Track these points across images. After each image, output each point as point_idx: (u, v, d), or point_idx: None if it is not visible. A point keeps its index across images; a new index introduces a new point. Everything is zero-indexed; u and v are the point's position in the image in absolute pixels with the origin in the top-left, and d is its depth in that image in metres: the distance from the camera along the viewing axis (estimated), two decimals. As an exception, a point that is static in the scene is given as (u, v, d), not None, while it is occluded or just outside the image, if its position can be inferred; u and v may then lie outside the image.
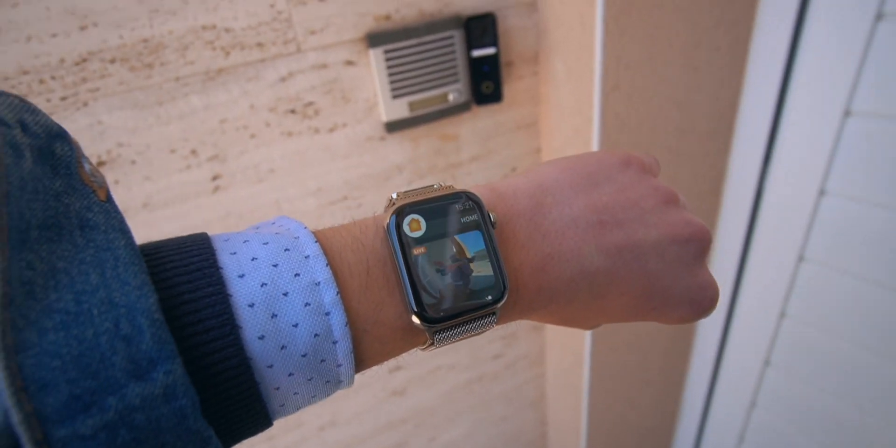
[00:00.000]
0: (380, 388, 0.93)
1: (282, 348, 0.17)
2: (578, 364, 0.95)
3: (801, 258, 0.83)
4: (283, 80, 0.62)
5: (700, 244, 0.24)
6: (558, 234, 0.22)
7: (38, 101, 0.53)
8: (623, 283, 0.22)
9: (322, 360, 0.18)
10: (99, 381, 0.13)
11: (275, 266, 0.17)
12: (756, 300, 0.90)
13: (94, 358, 0.13)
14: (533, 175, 0.24)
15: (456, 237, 0.20)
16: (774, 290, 0.87)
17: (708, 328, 1.00)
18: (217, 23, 0.56)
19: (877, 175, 0.71)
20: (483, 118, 0.75)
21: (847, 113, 0.71)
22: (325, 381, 0.18)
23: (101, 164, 0.58)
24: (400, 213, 0.20)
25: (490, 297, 0.20)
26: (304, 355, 0.17)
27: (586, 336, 0.89)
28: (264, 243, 0.18)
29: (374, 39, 0.63)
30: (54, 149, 0.16)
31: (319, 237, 0.19)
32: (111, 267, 0.15)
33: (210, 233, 0.19)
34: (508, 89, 0.74)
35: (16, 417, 0.12)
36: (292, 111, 0.64)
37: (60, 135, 0.17)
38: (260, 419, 0.18)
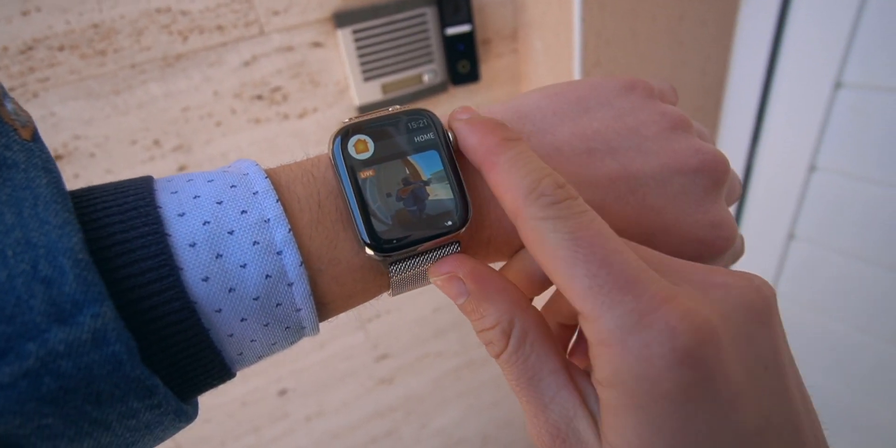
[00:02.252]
0: (366, 377, 0.92)
1: (230, 291, 0.16)
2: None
3: (791, 236, 0.81)
4: (246, 64, 0.59)
5: (712, 175, 0.21)
6: None
7: (-16, 93, 0.50)
8: (617, 218, 0.20)
9: (278, 304, 0.16)
10: (14, 327, 0.12)
11: (219, 203, 0.16)
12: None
13: (7, 301, 0.12)
14: (513, 102, 0.22)
15: (410, 158, 0.18)
16: (764, 269, 0.86)
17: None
18: (172, 5, 0.53)
19: (868, 150, 0.69)
20: (460, 99, 0.72)
21: (838, 85, 0.68)
22: (285, 327, 0.17)
23: (58, 157, 0.55)
24: (346, 135, 0.18)
25: (449, 223, 0.18)
26: (255, 298, 0.16)
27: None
28: (209, 181, 0.17)
29: (342, 19, 0.60)
30: None
31: (269, 174, 0.18)
32: (29, 206, 0.14)
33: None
34: (486, 68, 0.72)
35: None
36: (259, 97, 0.61)
37: None
38: (216, 368, 0.16)
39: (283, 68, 0.61)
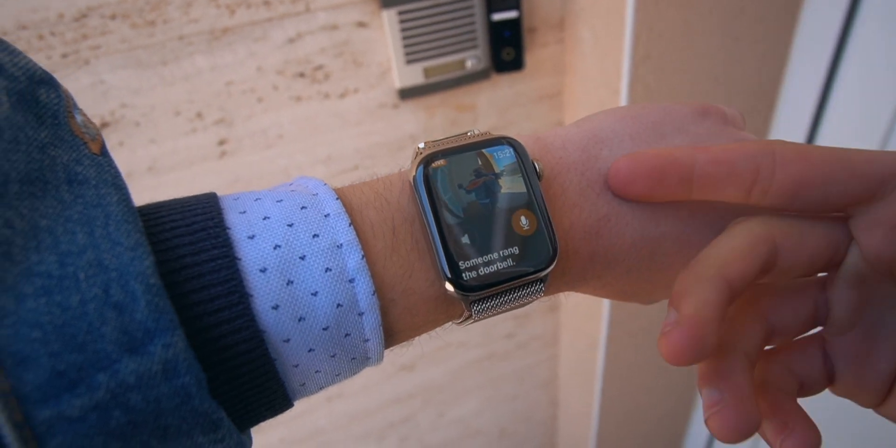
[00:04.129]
0: (388, 362, 0.92)
1: (300, 320, 0.15)
2: (593, 347, 0.92)
3: None
4: (291, 41, 0.59)
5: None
6: None
7: (39, 58, 0.52)
8: (694, 251, 0.18)
9: (346, 335, 0.16)
10: (86, 355, 0.12)
11: (290, 226, 0.15)
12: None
13: (80, 328, 0.12)
14: (586, 124, 0.21)
15: (483, 150, 0.18)
16: None
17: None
18: (222, -22, 0.54)
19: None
20: (502, 87, 0.71)
21: (903, 91, 0.65)
22: (351, 358, 0.16)
23: (104, 125, 0.57)
24: (428, 164, 0.17)
25: (535, 266, 0.17)
26: (325, 328, 0.15)
27: (603, 320, 0.86)
28: (278, 201, 0.16)
29: (388, 0, 0.59)
30: (38, 95, 0.14)
31: (339, 194, 0.17)
32: (101, 225, 0.13)
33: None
34: (531, 57, 0.70)
35: None
36: (301, 74, 0.61)
37: (46, 80, 0.15)
38: (278, 399, 0.16)
39: (327, 47, 0.61)
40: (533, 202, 0.17)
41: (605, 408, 1.00)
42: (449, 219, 0.17)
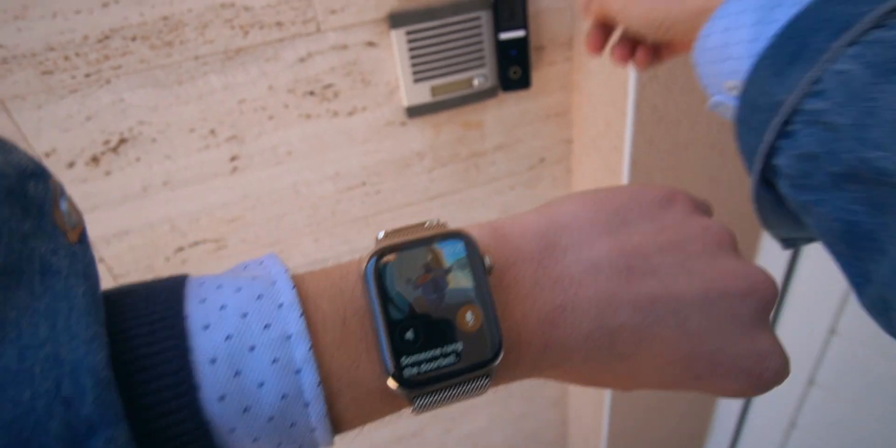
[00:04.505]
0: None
1: (245, 410, 0.15)
2: (602, 366, 0.91)
3: (832, 331, 0.76)
4: (302, 60, 0.61)
5: (761, 301, 0.20)
6: (573, 281, 0.19)
7: (64, 78, 0.54)
8: (656, 342, 0.19)
9: (292, 424, 0.16)
10: None
11: (244, 316, 0.16)
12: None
13: (27, 424, 0.12)
14: (547, 210, 0.21)
15: (434, 245, 0.18)
16: (802, 365, 0.81)
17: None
18: (236, 1, 0.56)
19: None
20: (509, 105, 0.72)
21: None
22: (298, 446, 0.17)
23: (123, 141, 0.59)
24: (380, 258, 0.17)
25: (477, 362, 0.17)
26: (271, 419, 0.16)
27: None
28: (237, 290, 0.17)
29: (397, 20, 0.61)
30: (27, 188, 0.15)
31: (298, 282, 0.17)
32: (64, 317, 0.14)
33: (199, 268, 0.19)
34: (538, 75, 0.71)
35: None
36: (311, 93, 0.63)
37: (36, 173, 0.15)
38: None
39: (337, 66, 0.63)
40: (479, 298, 0.18)
41: (615, 429, 0.99)
42: (395, 314, 0.17)
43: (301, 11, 0.58)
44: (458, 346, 0.17)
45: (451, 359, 0.17)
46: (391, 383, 0.17)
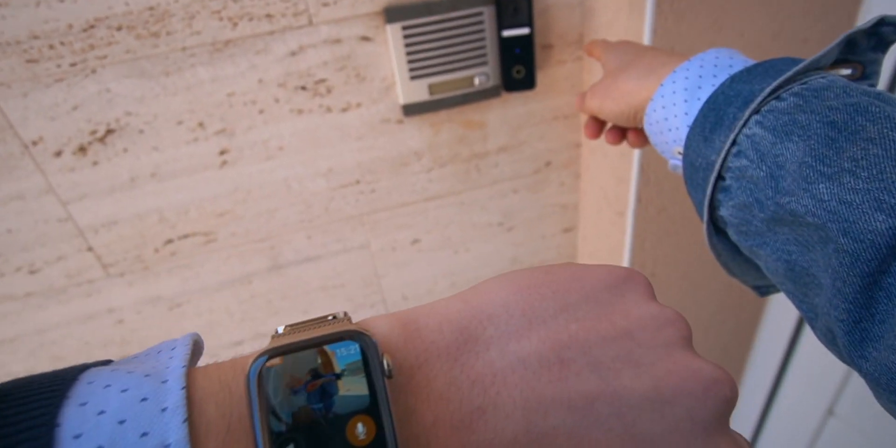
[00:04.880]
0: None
1: None
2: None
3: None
4: (293, 54, 0.59)
5: (722, 402, 0.17)
6: (496, 380, 0.17)
7: (49, 67, 0.54)
8: None
9: None
10: None
11: (121, 423, 0.15)
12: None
13: None
14: (472, 297, 0.19)
15: (325, 347, 0.16)
16: (822, 391, 0.75)
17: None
18: (225, -9, 0.54)
19: None
20: (514, 106, 0.68)
21: None
22: None
23: (110, 131, 0.58)
24: (268, 359, 0.16)
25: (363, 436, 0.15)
26: None
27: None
28: (123, 391, 0.15)
29: (393, 14, 0.58)
30: None
31: (191, 381, 0.16)
32: None
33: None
34: (546, 75, 0.67)
35: None
36: (303, 87, 0.61)
37: None
38: None
39: (329, 61, 0.60)
40: (371, 407, 0.15)
41: None
42: (275, 426, 0.15)
43: (292, 3, 0.56)
44: None
45: None
46: None
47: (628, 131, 0.46)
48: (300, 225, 0.71)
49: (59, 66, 0.54)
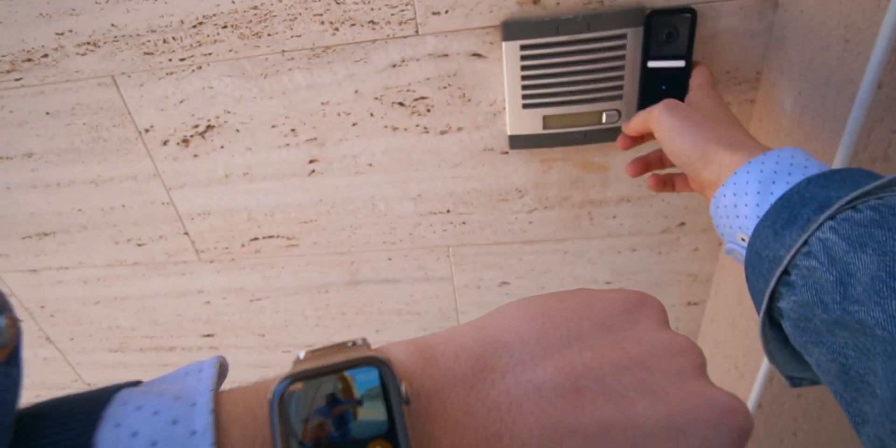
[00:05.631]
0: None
1: None
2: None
3: None
4: (394, 66, 0.52)
5: (736, 432, 0.18)
6: (512, 407, 0.17)
7: (162, 60, 0.54)
8: None
9: None
10: None
11: (153, 445, 0.15)
12: None
13: None
14: (489, 325, 0.19)
15: (345, 373, 0.17)
16: None
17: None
18: (330, -6, 0.49)
19: None
20: (648, 150, 0.55)
21: None
22: None
23: (210, 127, 0.58)
24: (290, 384, 0.16)
25: None
26: None
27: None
28: (154, 413, 0.16)
29: (512, 29, 0.48)
30: None
31: (218, 403, 0.17)
32: None
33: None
34: (700, 119, 0.52)
35: None
36: (401, 103, 0.55)
37: None
38: None
39: (433, 77, 0.53)
40: (390, 433, 0.16)
41: None
42: None
43: (399, 10, 0.49)
44: None
45: None
46: None
47: (675, 177, 0.47)
48: (382, 246, 0.66)
49: (170, 60, 0.54)
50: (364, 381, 0.16)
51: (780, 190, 0.31)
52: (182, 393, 0.17)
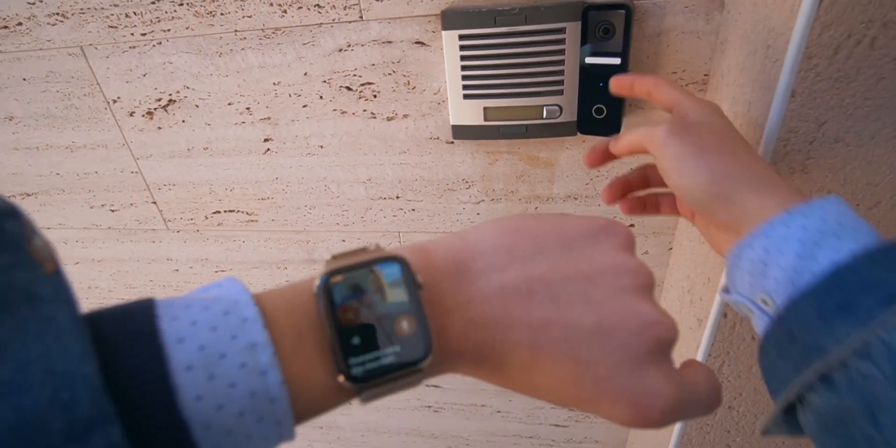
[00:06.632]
0: (413, 395, 0.85)
1: (219, 408, 0.17)
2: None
3: None
4: (340, 50, 0.53)
5: (656, 340, 0.22)
6: (483, 300, 0.21)
7: (125, 34, 0.56)
8: (548, 363, 0.21)
9: (260, 419, 0.18)
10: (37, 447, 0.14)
11: (213, 329, 0.18)
12: None
13: (32, 425, 0.14)
14: (469, 236, 0.23)
15: (374, 267, 0.21)
16: None
17: None
18: (277, -25, 0.49)
19: None
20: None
21: None
22: (265, 438, 0.19)
23: (171, 101, 0.60)
24: (329, 278, 0.20)
25: (412, 361, 0.20)
26: (241, 414, 0.18)
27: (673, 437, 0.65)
28: (205, 308, 0.19)
29: (451, 19, 0.48)
30: (4, 227, 0.17)
31: (257, 300, 0.20)
32: (54, 338, 0.16)
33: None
34: (638, 120, 0.51)
35: None
36: (348, 88, 0.55)
37: (11, 214, 0.18)
38: None
39: (378, 63, 0.53)
40: (412, 310, 0.20)
41: None
42: (343, 324, 0.20)
43: (343, -6, 0.49)
44: (396, 348, 0.20)
45: (390, 358, 0.20)
46: (342, 380, 0.20)
47: (661, 197, 0.41)
48: (336, 227, 0.67)
49: (132, 34, 0.56)
50: (389, 273, 0.20)
51: (826, 257, 0.26)
52: (221, 295, 0.20)
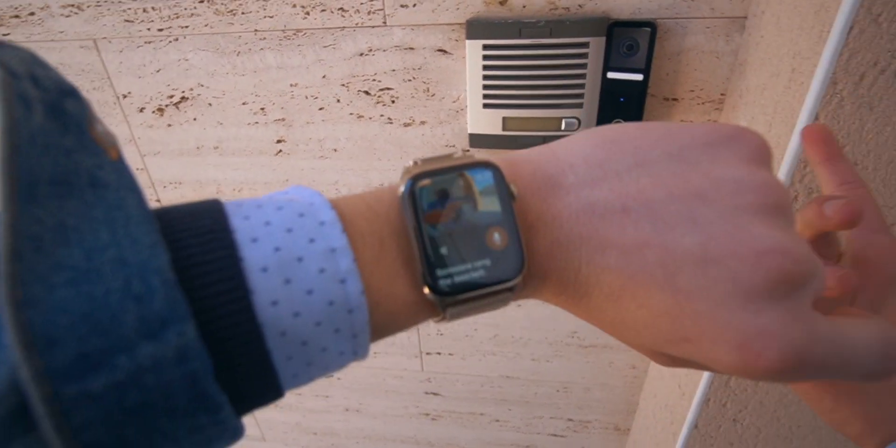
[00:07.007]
0: (413, 403, 0.85)
1: (295, 315, 0.16)
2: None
3: None
4: (361, 54, 0.53)
5: (779, 273, 0.17)
6: (570, 219, 0.19)
7: (141, 28, 0.55)
8: (640, 291, 0.18)
9: (337, 330, 0.17)
10: (109, 340, 0.13)
11: (289, 231, 0.17)
12: None
13: (104, 316, 0.13)
14: (560, 148, 0.20)
15: (465, 172, 0.19)
16: None
17: None
18: (303, -23, 0.49)
19: None
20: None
21: None
22: (340, 353, 0.18)
23: (184, 99, 0.59)
24: (415, 182, 0.18)
25: (503, 276, 0.19)
26: (318, 323, 0.17)
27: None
28: (278, 208, 0.17)
29: (476, 28, 0.48)
30: (65, 106, 0.16)
31: (333, 204, 0.18)
32: (122, 225, 0.14)
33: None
34: (659, 135, 0.51)
35: (25, 373, 0.12)
36: (366, 92, 0.55)
37: (71, 92, 0.16)
38: (271, 389, 0.17)
39: (399, 69, 0.53)
40: (505, 221, 0.18)
41: None
42: (430, 232, 0.18)
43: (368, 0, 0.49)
44: (487, 261, 0.18)
45: (480, 272, 0.18)
46: (427, 293, 0.18)
47: None
48: (343, 230, 0.66)
49: (149, 29, 0.55)
50: (481, 179, 0.19)
51: None
52: (294, 198, 0.18)
